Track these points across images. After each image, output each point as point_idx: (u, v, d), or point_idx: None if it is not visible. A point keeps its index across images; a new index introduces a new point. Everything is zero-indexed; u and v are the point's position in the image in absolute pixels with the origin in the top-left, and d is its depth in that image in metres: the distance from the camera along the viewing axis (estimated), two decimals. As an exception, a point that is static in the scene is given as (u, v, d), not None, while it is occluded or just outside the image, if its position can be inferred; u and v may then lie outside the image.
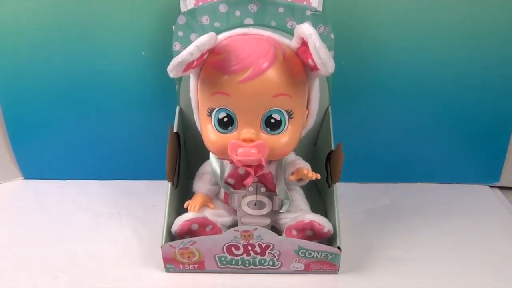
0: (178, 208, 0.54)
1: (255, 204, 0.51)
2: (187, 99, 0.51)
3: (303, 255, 0.48)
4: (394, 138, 0.65)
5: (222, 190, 0.53)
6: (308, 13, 0.51)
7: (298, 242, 0.47)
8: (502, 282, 0.49)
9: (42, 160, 0.68)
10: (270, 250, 0.47)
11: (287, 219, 0.51)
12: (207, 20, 0.52)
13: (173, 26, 0.52)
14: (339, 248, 0.47)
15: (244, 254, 0.48)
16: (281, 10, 0.52)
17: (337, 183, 0.51)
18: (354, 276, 0.50)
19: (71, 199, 0.64)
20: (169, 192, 0.51)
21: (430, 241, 0.56)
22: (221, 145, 0.45)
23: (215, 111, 0.44)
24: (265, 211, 0.51)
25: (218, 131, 0.45)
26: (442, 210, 0.62)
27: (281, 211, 0.51)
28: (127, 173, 0.68)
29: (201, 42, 0.39)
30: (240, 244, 0.47)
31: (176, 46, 0.53)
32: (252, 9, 0.52)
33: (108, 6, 0.56)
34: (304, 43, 0.42)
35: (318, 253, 0.48)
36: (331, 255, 0.48)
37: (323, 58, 0.39)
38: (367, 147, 0.66)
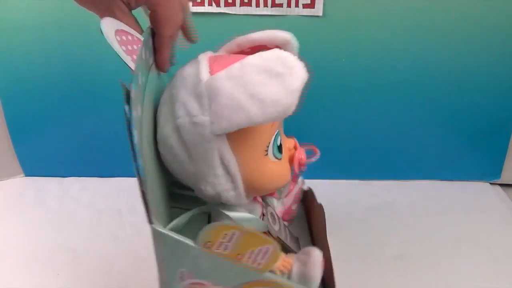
0: (179, 205, 0.54)
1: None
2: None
3: None
4: (395, 136, 0.65)
5: None
6: None
7: None
8: (502, 278, 0.50)
9: (43, 157, 0.68)
10: None
11: None
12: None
13: None
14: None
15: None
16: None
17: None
18: (355, 272, 0.50)
19: (72, 196, 0.64)
20: (170, 189, 0.51)
21: (431, 238, 0.56)
22: (287, 169, 0.38)
23: (272, 141, 0.36)
24: None
25: (278, 158, 0.36)
26: (442, 207, 0.62)
27: None
28: (128, 170, 0.68)
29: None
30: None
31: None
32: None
33: (109, 3, 0.56)
34: None
35: None
36: None
37: None
38: (368, 144, 0.65)
